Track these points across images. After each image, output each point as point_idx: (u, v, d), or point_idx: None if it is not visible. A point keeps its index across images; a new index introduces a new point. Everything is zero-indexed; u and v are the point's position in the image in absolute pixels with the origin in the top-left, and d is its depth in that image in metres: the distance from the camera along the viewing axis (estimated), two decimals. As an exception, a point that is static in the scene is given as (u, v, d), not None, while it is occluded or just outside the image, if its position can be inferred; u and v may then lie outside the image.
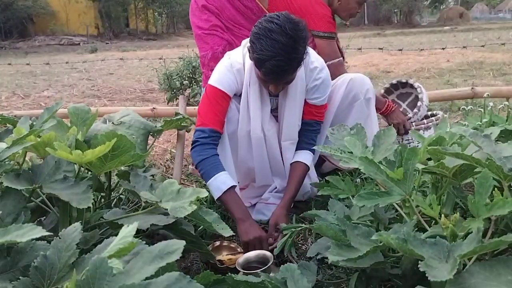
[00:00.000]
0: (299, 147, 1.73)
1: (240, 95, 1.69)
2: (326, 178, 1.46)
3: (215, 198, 1.53)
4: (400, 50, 7.15)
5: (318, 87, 1.68)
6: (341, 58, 2.16)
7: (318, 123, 1.74)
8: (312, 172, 1.84)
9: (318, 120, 1.74)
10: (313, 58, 1.69)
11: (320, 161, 2.06)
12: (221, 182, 1.51)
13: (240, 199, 1.55)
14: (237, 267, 1.30)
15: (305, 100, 1.70)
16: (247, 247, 1.42)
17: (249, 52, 1.52)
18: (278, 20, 1.42)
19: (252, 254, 1.36)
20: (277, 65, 1.41)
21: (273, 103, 1.74)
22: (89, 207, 1.14)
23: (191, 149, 1.61)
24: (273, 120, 1.75)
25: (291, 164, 1.71)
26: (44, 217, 1.26)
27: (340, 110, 1.90)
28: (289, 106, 1.68)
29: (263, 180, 1.82)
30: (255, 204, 1.82)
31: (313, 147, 1.66)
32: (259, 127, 1.68)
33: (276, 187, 1.82)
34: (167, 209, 1.15)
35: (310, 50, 1.69)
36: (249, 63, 1.59)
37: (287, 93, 1.67)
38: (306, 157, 1.70)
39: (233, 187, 1.53)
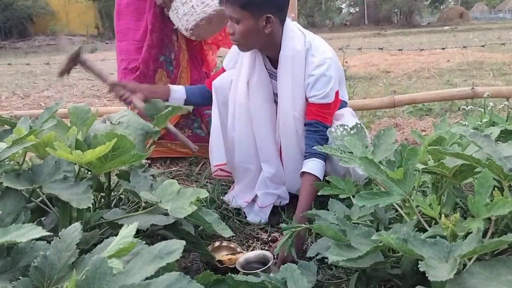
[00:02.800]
0: (306, 154, 1.63)
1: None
2: (326, 178, 1.46)
3: None
4: (400, 50, 7.13)
5: (313, 84, 1.62)
6: None
7: (321, 124, 1.62)
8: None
9: (321, 121, 1.62)
10: (315, 51, 1.64)
11: None
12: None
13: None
14: (237, 267, 1.30)
15: (308, 99, 1.66)
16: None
17: None
18: None
19: (252, 254, 1.36)
20: None
21: (275, 86, 1.73)
22: (89, 207, 1.14)
23: None
24: (265, 95, 1.74)
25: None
26: (44, 217, 1.25)
27: None
28: (280, 89, 1.67)
29: (242, 156, 1.77)
30: (253, 201, 1.79)
31: (321, 152, 1.49)
32: (243, 91, 1.71)
33: (267, 176, 1.76)
34: (167, 210, 1.14)
35: (314, 42, 1.66)
36: None
37: (280, 75, 1.67)
38: (312, 165, 1.59)
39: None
